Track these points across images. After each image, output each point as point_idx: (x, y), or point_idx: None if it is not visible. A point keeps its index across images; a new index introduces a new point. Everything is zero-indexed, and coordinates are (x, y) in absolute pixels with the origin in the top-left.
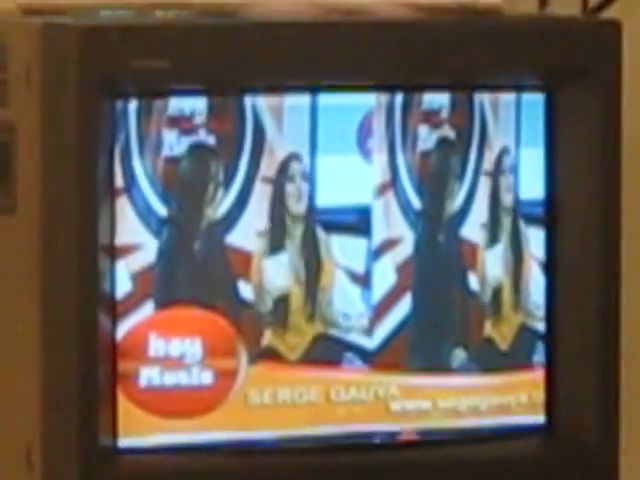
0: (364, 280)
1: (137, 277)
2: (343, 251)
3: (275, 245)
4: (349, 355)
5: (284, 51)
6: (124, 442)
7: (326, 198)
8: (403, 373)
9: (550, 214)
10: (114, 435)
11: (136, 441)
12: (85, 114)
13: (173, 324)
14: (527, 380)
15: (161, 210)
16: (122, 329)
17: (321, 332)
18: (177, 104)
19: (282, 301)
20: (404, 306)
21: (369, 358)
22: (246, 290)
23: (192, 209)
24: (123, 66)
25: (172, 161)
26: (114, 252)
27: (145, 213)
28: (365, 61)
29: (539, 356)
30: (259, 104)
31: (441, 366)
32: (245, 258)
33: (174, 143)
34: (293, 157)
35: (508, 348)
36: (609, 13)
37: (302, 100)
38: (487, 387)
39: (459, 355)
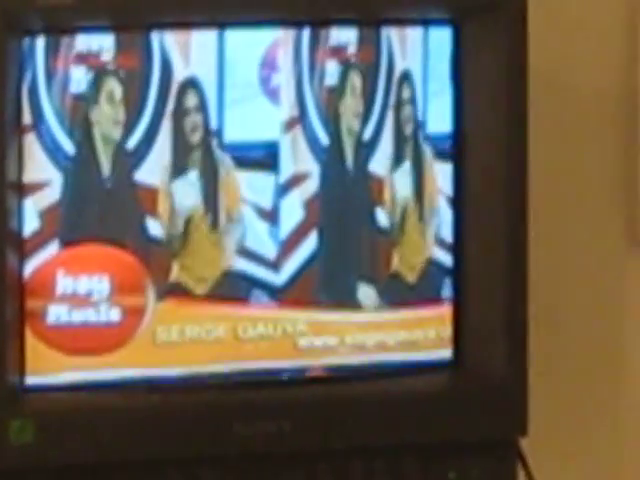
0: (272, 216)
1: (45, 215)
2: (251, 187)
3: (176, 176)
4: (257, 291)
5: None
6: (32, 380)
7: (233, 134)
8: (311, 309)
9: (457, 148)
10: (21, 373)
11: (44, 379)
12: None
13: (81, 261)
14: (435, 315)
15: (69, 147)
16: (30, 267)
17: (228, 268)
18: (84, 41)
19: (185, 230)
20: (311, 242)
21: (277, 294)
22: (154, 226)
23: (96, 145)
24: (29, 3)
25: (80, 98)
26: (22, 189)
27: (53, 150)
28: None
29: (447, 291)
30: (166, 40)
31: (349, 302)
32: (152, 194)
33: (82, 80)
34: (188, 86)
35: (416, 283)
36: None
37: (209, 36)
38: (394, 322)
39: (367, 291)
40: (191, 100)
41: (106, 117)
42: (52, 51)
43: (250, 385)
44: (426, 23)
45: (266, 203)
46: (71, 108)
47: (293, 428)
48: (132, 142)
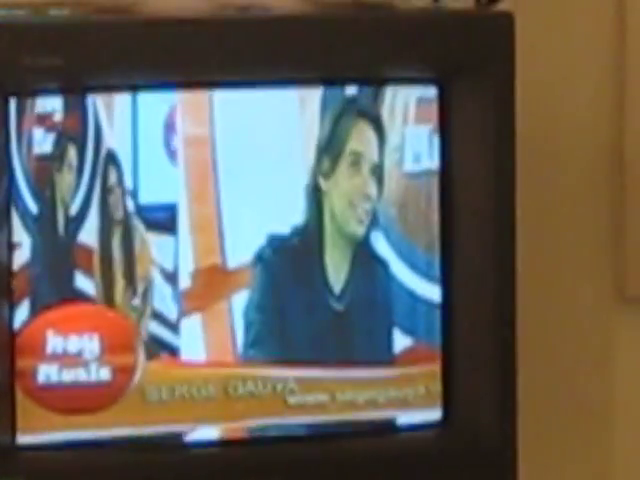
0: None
1: (17, 276)
2: (158, 249)
3: (105, 239)
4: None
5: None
6: (23, 439)
7: (146, 196)
8: (300, 367)
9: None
10: (12, 432)
11: (35, 438)
12: None
13: (71, 321)
14: (425, 373)
15: (33, 208)
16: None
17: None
18: (43, 102)
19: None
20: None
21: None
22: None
23: (57, 207)
24: (16, 64)
25: (40, 159)
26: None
27: (23, 211)
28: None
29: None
30: (97, 103)
31: (339, 359)
32: (88, 255)
33: (42, 140)
34: (109, 160)
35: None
36: (502, 6)
37: (124, 98)
38: (385, 380)
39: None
40: (112, 176)
41: (66, 182)
42: (20, 112)
43: (241, 443)
44: (416, 81)
45: (169, 265)
46: (35, 169)
47: None
48: (77, 203)
